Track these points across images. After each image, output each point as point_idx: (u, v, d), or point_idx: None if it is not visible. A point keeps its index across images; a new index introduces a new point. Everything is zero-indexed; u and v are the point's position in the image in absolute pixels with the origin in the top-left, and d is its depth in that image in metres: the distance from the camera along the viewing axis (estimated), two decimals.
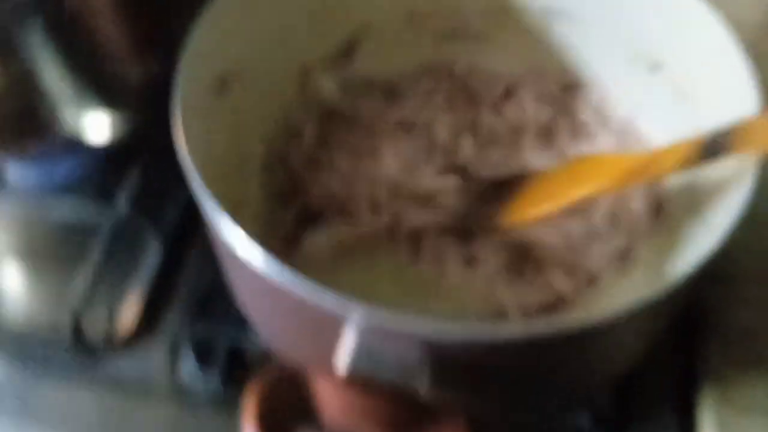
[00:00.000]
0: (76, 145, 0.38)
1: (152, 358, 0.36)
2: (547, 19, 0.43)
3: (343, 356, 0.23)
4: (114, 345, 0.36)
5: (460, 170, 0.40)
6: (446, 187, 0.39)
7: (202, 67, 0.34)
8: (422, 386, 0.23)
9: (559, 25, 0.43)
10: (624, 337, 0.30)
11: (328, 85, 0.44)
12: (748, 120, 0.31)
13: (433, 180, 0.39)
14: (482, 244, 0.37)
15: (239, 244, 0.26)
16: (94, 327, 0.36)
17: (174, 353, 0.36)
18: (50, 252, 0.40)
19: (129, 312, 0.37)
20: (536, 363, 0.28)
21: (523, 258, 0.37)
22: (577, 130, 0.42)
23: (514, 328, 0.25)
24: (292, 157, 0.40)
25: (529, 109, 0.43)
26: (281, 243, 0.38)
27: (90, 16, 0.34)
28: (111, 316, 0.37)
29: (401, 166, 0.40)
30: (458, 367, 0.25)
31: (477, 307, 0.36)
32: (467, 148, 0.41)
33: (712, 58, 0.35)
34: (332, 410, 0.21)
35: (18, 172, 0.42)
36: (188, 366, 0.35)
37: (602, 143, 0.42)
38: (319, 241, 0.37)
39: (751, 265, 0.39)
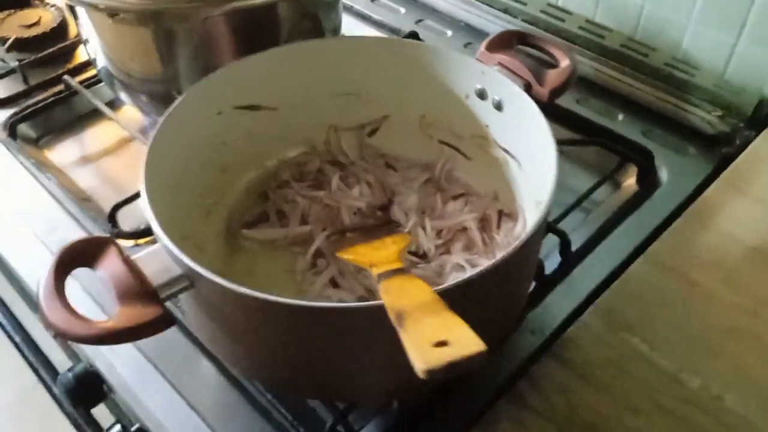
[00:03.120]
0: None
1: None
2: (507, 158, 0.55)
3: None
4: None
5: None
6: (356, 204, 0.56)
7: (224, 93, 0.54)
8: None
9: (513, 165, 0.54)
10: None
11: (351, 144, 0.62)
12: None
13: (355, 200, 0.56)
14: (348, 278, 0.51)
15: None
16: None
17: None
18: None
19: None
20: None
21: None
22: (485, 242, 0.54)
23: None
24: (277, 176, 0.60)
25: (465, 212, 0.56)
26: (244, 226, 0.57)
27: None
28: None
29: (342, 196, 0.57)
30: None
31: None
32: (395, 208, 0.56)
33: None
34: None
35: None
36: None
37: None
38: (253, 235, 0.56)
39: None
